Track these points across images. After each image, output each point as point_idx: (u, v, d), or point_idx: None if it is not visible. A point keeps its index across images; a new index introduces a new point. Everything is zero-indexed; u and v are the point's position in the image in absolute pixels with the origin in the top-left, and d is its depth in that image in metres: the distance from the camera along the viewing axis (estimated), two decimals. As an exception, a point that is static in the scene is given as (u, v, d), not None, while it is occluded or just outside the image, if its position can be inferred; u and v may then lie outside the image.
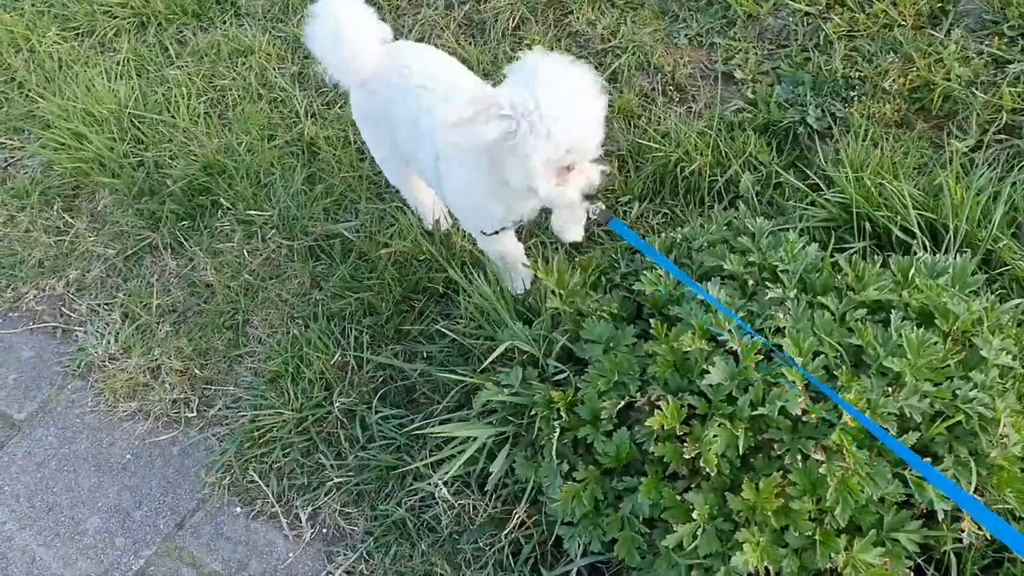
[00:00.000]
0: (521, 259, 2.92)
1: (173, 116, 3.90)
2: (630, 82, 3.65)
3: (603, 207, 2.54)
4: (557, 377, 2.58)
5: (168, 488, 2.99)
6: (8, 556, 2.88)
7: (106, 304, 3.46)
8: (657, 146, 3.27)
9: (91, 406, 3.23)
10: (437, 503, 2.68)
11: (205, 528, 2.88)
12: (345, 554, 2.74)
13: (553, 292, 2.63)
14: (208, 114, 3.95)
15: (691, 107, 3.54)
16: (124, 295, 3.47)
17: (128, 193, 3.72)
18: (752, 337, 2.22)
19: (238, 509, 2.91)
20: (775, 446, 2.13)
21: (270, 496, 2.88)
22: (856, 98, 3.31)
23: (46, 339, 3.46)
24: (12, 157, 4.06)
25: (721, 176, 3.18)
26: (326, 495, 2.84)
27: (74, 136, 3.85)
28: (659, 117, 3.48)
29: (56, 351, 3.41)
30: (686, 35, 3.78)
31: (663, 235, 2.83)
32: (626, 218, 3.21)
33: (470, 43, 3.99)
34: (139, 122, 3.90)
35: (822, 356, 2.18)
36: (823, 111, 3.29)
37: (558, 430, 2.38)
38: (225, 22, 4.40)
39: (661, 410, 2.17)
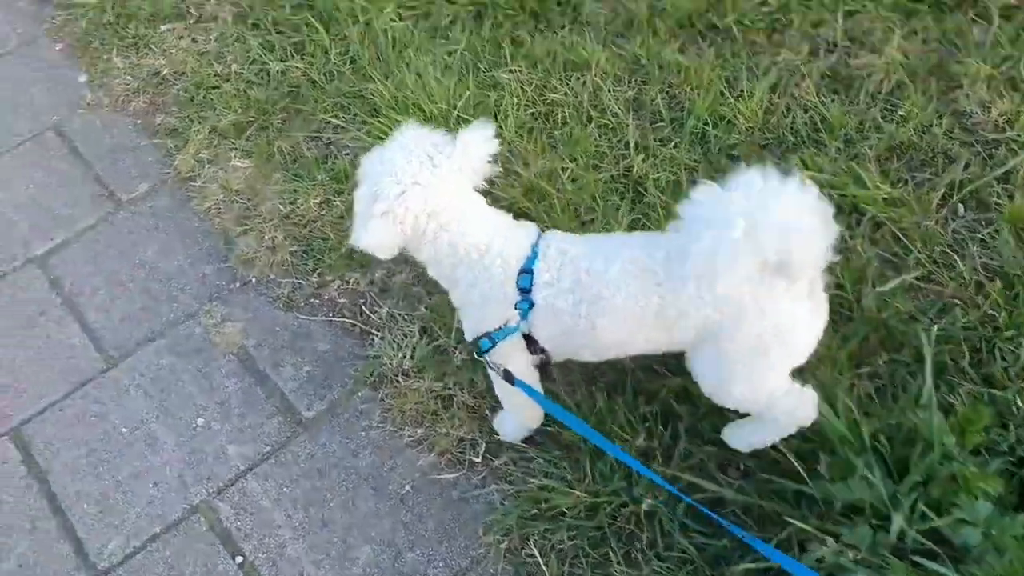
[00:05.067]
0: None
1: (501, 126, 3.73)
2: (1025, 186, 3.14)
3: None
4: (916, 556, 2.21)
5: (444, 536, 2.86)
6: (279, 565, 2.85)
7: (406, 315, 3.37)
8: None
9: (378, 421, 3.15)
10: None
11: (475, 592, 2.75)
12: (620, 670, 2.53)
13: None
14: (533, 129, 3.77)
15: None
16: (425, 309, 3.36)
17: (445, 203, 3.59)
18: None
19: (511, 581, 2.75)
20: None
21: (548, 579, 2.69)
22: None
23: (343, 335, 3.42)
24: (336, 136, 4.05)
25: None
26: (609, 597, 2.63)
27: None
28: (1057, 235, 2.96)
29: (351, 351, 3.36)
30: (1103, 136, 3.19)
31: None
32: (1004, 360, 2.75)
33: (832, 99, 3.57)
34: (466, 125, 3.76)
35: None
36: None
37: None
38: (563, 27, 4.18)
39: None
